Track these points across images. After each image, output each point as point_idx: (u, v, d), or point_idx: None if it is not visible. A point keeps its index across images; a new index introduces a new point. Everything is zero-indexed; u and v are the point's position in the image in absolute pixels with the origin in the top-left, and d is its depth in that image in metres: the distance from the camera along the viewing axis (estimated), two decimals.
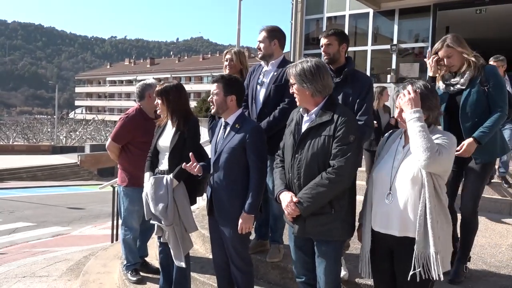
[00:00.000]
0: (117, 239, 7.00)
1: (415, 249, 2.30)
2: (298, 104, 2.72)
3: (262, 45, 3.60)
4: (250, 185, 2.99)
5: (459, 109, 3.27)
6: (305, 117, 2.68)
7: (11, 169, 25.38)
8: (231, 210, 3.03)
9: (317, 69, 2.60)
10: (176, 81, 3.86)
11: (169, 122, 3.51)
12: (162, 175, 3.38)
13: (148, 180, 3.42)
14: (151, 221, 3.41)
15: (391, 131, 2.71)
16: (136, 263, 4.25)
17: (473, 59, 3.24)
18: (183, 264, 3.34)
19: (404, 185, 2.36)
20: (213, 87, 3.13)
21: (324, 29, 12.15)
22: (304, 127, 2.65)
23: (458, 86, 3.29)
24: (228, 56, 4.08)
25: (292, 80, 2.67)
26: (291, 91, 2.72)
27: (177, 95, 3.47)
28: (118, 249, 5.46)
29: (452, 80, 3.34)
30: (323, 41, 3.32)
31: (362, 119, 3.11)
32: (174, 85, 3.54)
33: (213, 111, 3.17)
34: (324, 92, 2.63)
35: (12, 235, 9.29)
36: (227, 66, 4.06)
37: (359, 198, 2.66)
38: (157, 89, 3.51)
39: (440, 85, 3.40)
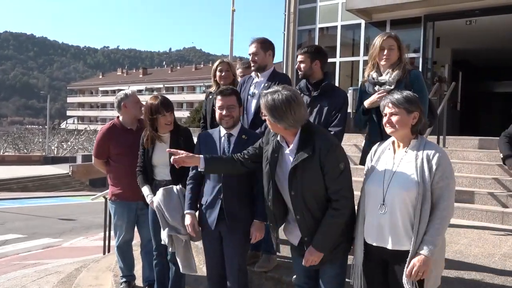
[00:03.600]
0: (109, 251, 6.94)
1: (407, 262, 2.27)
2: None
3: (257, 57, 3.59)
4: (258, 193, 2.94)
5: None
6: (286, 150, 2.59)
7: (1, 180, 25.08)
8: (243, 220, 3.02)
9: (288, 104, 2.43)
10: (159, 93, 3.85)
11: (162, 135, 3.49)
12: (171, 186, 3.37)
13: (150, 193, 3.46)
14: (168, 232, 3.24)
15: (379, 142, 2.69)
16: (128, 275, 4.15)
17: (408, 61, 3.31)
18: (195, 271, 3.32)
19: (398, 196, 2.34)
20: (230, 100, 3.06)
21: (317, 39, 12.27)
22: (288, 160, 2.56)
23: (386, 86, 3.29)
24: (221, 67, 4.09)
25: (263, 111, 2.59)
26: (263, 117, 2.68)
27: None
28: (110, 261, 5.41)
29: (380, 78, 3.33)
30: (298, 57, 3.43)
31: (333, 131, 3.21)
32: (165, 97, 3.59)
33: (229, 124, 3.08)
34: (297, 125, 2.50)
35: (2, 247, 9.16)
36: (222, 77, 4.06)
37: None
38: (164, 103, 3.42)
39: (367, 85, 3.42)
